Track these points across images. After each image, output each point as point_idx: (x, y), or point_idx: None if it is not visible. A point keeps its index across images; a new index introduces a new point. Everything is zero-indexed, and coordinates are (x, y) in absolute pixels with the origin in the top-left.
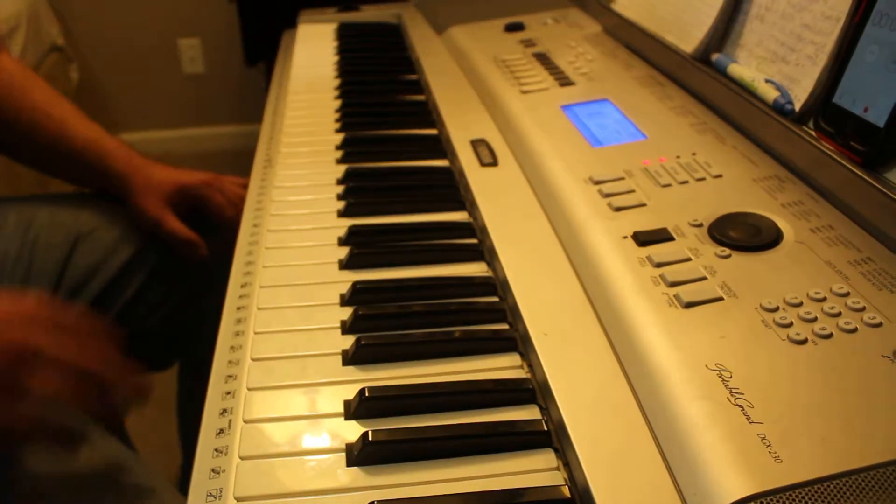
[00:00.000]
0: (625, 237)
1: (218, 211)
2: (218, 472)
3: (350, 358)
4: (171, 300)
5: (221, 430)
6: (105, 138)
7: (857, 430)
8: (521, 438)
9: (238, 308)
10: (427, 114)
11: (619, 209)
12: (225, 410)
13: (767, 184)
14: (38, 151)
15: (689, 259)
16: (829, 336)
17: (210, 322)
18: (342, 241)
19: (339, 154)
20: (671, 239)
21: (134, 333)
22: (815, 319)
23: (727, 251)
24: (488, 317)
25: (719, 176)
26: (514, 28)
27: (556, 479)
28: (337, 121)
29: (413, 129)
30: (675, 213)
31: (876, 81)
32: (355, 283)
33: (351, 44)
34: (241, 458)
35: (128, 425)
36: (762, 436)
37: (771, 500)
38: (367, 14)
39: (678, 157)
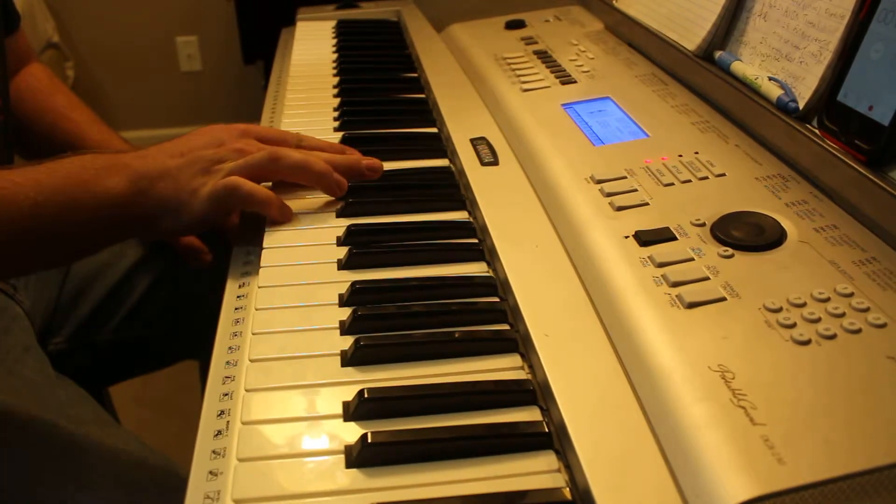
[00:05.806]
0: (626, 237)
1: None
2: (216, 474)
3: (349, 359)
4: (177, 304)
5: (219, 432)
6: (115, 142)
7: (861, 432)
8: (522, 440)
9: (236, 308)
10: (427, 112)
11: (620, 208)
12: (223, 412)
13: (771, 183)
14: (55, 151)
15: (691, 259)
16: (833, 337)
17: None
18: (341, 241)
19: None
20: (673, 239)
21: (140, 336)
22: (818, 320)
23: (730, 251)
24: (489, 317)
25: (722, 175)
26: (514, 25)
27: (557, 481)
28: (336, 119)
29: (412, 127)
30: (677, 213)
31: (881, 79)
32: (354, 283)
33: (350, 41)
34: (239, 460)
35: (127, 425)
36: (765, 437)
37: (774, 502)
38: (366, 11)
39: (680, 155)
